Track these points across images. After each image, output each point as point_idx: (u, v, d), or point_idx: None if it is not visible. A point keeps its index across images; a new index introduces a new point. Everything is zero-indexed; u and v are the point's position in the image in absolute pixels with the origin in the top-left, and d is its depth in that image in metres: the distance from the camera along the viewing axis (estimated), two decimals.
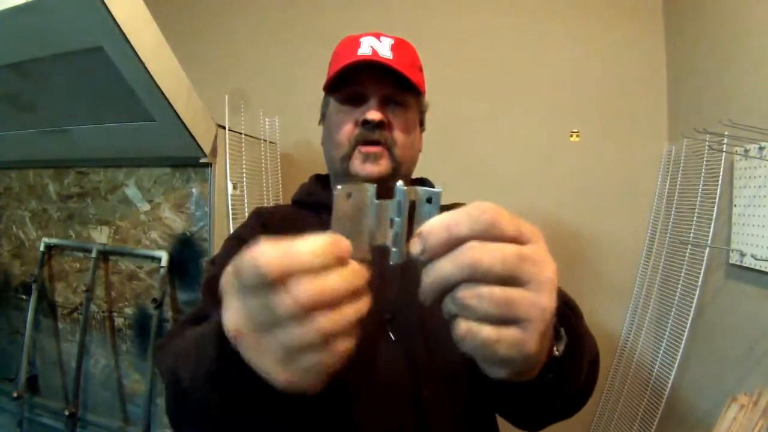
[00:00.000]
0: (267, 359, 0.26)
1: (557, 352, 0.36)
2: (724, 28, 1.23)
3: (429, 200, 0.28)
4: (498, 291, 0.25)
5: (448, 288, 0.26)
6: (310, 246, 0.25)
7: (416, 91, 0.64)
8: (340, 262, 0.26)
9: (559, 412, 0.49)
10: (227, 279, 0.27)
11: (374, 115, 0.60)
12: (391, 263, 0.28)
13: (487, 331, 0.25)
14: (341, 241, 0.26)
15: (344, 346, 0.26)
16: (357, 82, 0.62)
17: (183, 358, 0.41)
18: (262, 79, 1.79)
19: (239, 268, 0.26)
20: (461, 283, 0.26)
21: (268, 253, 0.25)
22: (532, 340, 0.26)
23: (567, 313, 0.39)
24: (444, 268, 0.26)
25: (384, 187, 0.63)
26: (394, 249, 0.28)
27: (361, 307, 0.27)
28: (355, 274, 0.26)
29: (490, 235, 0.26)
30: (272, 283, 0.25)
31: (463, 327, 0.26)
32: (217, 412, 0.37)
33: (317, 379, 0.26)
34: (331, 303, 0.25)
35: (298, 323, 0.25)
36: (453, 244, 0.26)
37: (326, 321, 0.25)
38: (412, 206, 0.28)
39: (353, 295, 0.26)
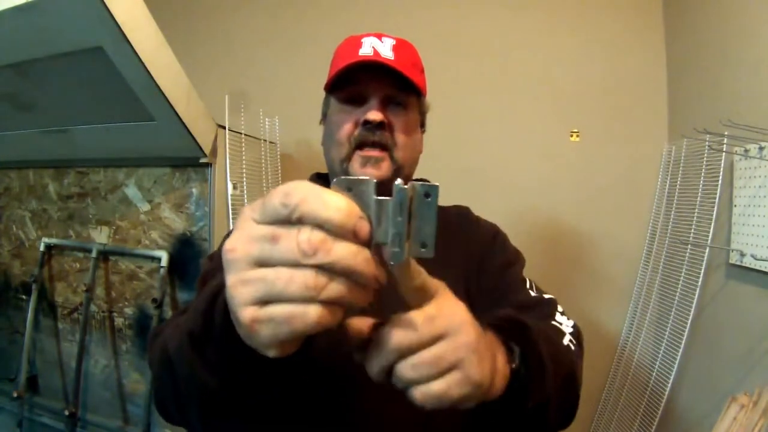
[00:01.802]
0: (244, 290, 0.26)
1: (514, 365, 0.39)
2: (724, 28, 1.23)
3: (427, 195, 0.28)
4: (425, 354, 0.30)
5: (390, 370, 0.31)
6: (339, 201, 0.25)
7: (417, 92, 0.64)
8: (356, 238, 0.25)
9: (547, 425, 0.48)
10: (251, 206, 0.28)
11: (375, 115, 0.59)
12: (392, 263, 0.28)
13: (436, 386, 0.30)
14: (364, 222, 0.26)
15: (318, 317, 0.25)
16: (358, 82, 0.61)
17: (172, 332, 0.41)
18: (262, 79, 1.79)
19: (270, 194, 0.26)
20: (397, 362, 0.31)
21: (302, 188, 0.25)
22: (474, 371, 0.31)
23: (514, 327, 0.41)
24: (379, 361, 0.31)
25: (385, 189, 0.63)
26: (395, 249, 0.27)
27: (355, 294, 0.26)
28: (365, 258, 0.26)
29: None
30: (291, 214, 0.25)
31: (418, 394, 0.31)
32: (194, 376, 0.37)
33: (276, 338, 0.26)
34: (327, 264, 0.25)
35: (286, 269, 0.25)
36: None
37: (313, 278, 0.25)
38: (410, 203, 0.28)
39: (354, 274, 0.26)
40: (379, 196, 0.27)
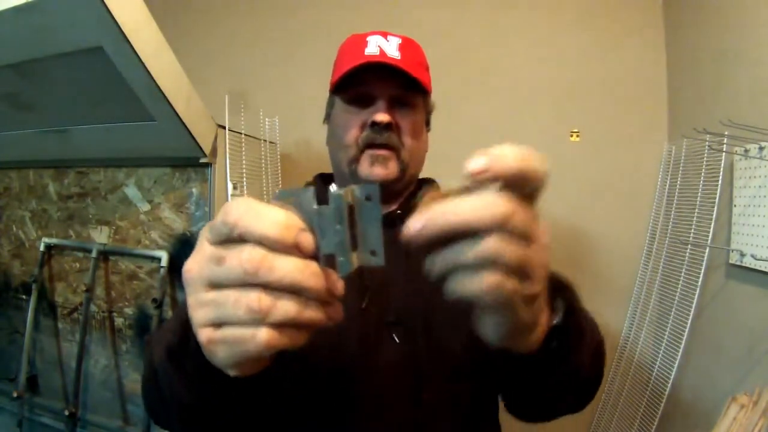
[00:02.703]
0: (200, 312, 0.26)
1: (557, 321, 0.37)
2: (724, 28, 1.23)
3: (368, 198, 0.26)
4: (523, 247, 0.25)
5: (466, 232, 0.25)
6: (275, 215, 0.25)
7: (424, 92, 0.63)
8: (300, 251, 0.25)
9: (569, 399, 0.48)
10: (207, 225, 0.28)
11: (382, 117, 0.59)
12: (340, 275, 0.26)
13: (513, 284, 0.25)
14: (306, 234, 0.25)
15: (268, 340, 0.24)
16: (364, 83, 0.60)
17: (158, 341, 0.41)
18: (262, 79, 1.79)
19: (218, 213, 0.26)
20: (482, 232, 0.24)
21: (240, 205, 0.25)
22: (541, 299, 0.29)
23: (562, 286, 0.39)
24: (477, 212, 0.24)
25: (392, 189, 0.63)
26: (340, 259, 0.26)
27: (309, 311, 0.25)
28: (312, 272, 0.25)
29: (519, 189, 0.25)
30: (231, 233, 0.25)
31: (495, 278, 0.25)
32: (174, 390, 0.37)
33: (232, 359, 0.26)
34: (271, 282, 0.24)
35: (234, 291, 0.25)
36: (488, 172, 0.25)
37: (256, 300, 0.24)
38: (352, 208, 0.26)
39: (302, 290, 0.25)
40: (320, 204, 0.26)
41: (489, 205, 0.24)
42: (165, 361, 0.37)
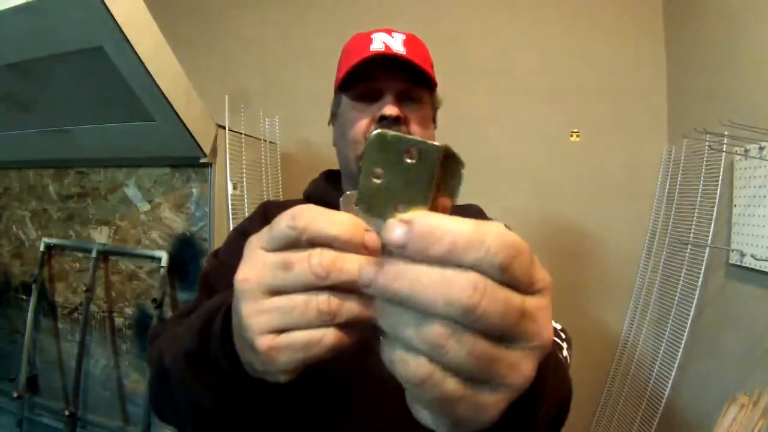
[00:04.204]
0: (261, 319, 0.26)
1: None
2: (724, 28, 1.23)
3: None
4: (484, 346, 0.20)
5: (416, 306, 0.21)
6: (343, 217, 0.25)
7: (431, 85, 0.63)
8: (366, 250, 0.25)
9: None
10: (257, 235, 0.28)
11: (392, 110, 0.58)
12: None
13: (452, 386, 0.21)
14: (371, 233, 0.25)
15: (335, 340, 0.25)
16: (371, 78, 0.60)
17: (170, 341, 0.41)
18: (262, 79, 1.79)
19: (275, 221, 0.26)
20: (438, 316, 0.20)
21: (307, 210, 0.25)
22: (497, 408, 0.22)
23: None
24: (428, 289, 0.20)
25: None
26: None
27: (368, 310, 0.25)
28: None
29: (496, 275, 0.20)
30: (299, 237, 0.25)
31: (424, 370, 0.21)
32: (191, 395, 0.37)
33: (293, 364, 0.26)
34: (342, 284, 0.24)
35: (302, 295, 0.25)
36: (446, 260, 0.20)
37: (326, 303, 0.24)
38: None
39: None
40: None
41: (451, 282, 0.20)
42: (183, 366, 0.37)
